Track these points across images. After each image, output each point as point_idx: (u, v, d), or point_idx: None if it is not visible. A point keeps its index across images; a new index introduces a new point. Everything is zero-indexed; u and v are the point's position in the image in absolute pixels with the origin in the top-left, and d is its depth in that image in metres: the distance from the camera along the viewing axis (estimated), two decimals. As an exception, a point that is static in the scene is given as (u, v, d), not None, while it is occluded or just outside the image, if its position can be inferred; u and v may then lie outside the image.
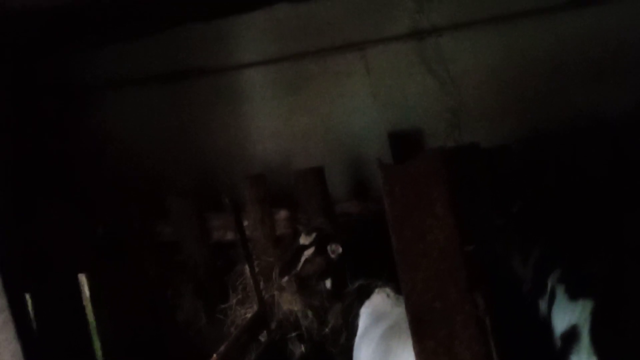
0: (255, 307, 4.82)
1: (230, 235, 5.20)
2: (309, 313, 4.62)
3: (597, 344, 2.79)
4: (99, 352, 3.97)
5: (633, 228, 3.29)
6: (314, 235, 4.17)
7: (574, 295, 3.04)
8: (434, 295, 2.52)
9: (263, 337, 4.61)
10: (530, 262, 3.57)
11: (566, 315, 3.01)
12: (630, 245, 3.16)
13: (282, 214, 5.17)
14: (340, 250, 4.02)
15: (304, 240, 4.17)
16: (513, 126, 4.89)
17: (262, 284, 4.91)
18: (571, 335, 2.93)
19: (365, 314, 3.90)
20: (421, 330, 2.58)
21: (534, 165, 4.66)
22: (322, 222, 4.57)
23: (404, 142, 5.16)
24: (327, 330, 4.60)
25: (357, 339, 3.88)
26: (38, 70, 5.91)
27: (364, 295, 3.92)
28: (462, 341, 2.52)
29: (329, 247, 4.07)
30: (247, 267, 4.83)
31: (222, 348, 4.22)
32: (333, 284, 4.17)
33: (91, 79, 5.83)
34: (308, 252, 4.10)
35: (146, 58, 5.70)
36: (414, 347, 2.64)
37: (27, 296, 3.11)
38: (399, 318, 3.51)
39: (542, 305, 3.33)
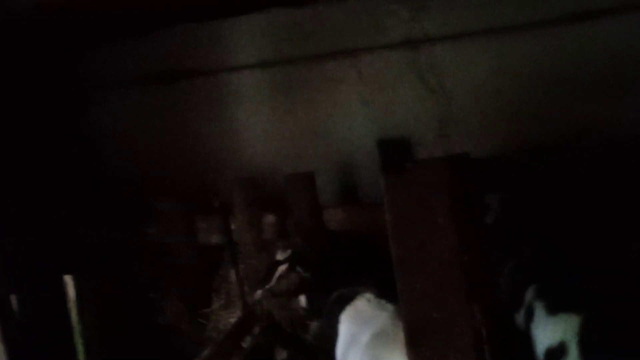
0: (238, 312, 4.79)
1: (215, 238, 5.16)
2: (292, 319, 4.62)
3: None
4: (82, 355, 3.91)
5: (632, 247, 3.30)
6: (289, 252, 4.20)
7: (556, 311, 3.03)
8: (433, 305, 2.51)
9: (245, 343, 4.58)
10: (503, 275, 3.57)
11: (548, 331, 3.00)
12: (629, 264, 3.17)
13: (270, 218, 5.13)
14: (304, 275, 4.08)
15: (280, 256, 4.20)
16: (503, 138, 4.89)
17: (246, 289, 4.88)
18: (558, 351, 2.92)
19: (347, 319, 3.88)
20: (418, 339, 2.57)
21: (522, 180, 4.68)
22: (299, 241, 4.63)
23: (394, 150, 5.17)
24: (309, 336, 4.60)
25: (342, 347, 3.85)
26: (34, 73, 5.84)
27: (345, 301, 3.90)
28: (459, 351, 2.52)
29: (297, 268, 4.11)
30: (232, 271, 4.80)
31: (205, 353, 4.19)
32: (308, 301, 4.19)
33: (84, 80, 5.77)
34: (282, 268, 4.13)
35: (138, 59, 5.66)
36: (409, 356, 2.63)
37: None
38: (384, 324, 3.50)
39: (518, 319, 3.32)
